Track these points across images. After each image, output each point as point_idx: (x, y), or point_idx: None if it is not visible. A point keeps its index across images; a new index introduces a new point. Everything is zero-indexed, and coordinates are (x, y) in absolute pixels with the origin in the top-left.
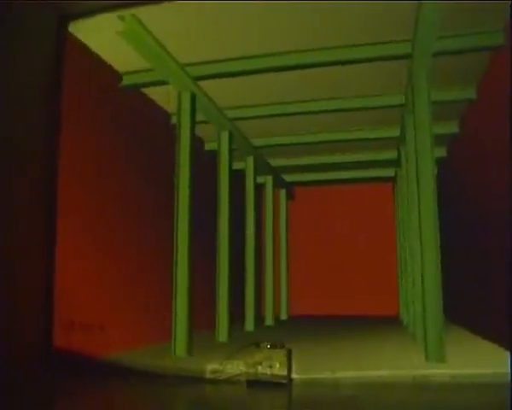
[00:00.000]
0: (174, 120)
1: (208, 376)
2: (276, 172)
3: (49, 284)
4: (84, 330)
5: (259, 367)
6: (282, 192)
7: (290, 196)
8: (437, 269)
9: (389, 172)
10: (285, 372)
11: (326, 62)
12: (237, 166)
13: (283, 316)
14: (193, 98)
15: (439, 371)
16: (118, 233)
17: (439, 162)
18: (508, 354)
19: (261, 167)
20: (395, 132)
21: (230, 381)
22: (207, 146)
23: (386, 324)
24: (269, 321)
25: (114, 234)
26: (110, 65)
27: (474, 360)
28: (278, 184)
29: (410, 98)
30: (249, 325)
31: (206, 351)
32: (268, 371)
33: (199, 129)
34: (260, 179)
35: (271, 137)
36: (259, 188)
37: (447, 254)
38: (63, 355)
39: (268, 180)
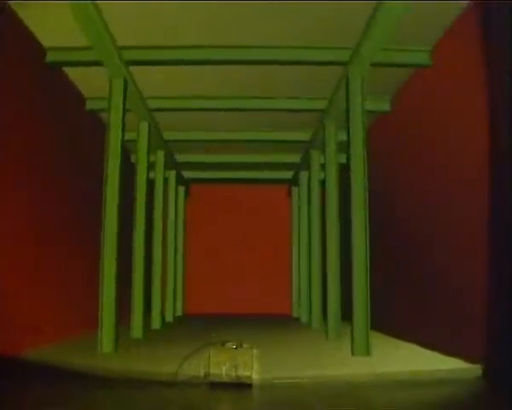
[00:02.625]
0: (89, 104)
1: (167, 378)
2: (179, 168)
3: None
4: None
5: (224, 368)
6: (181, 189)
7: (188, 194)
8: (365, 265)
9: (286, 175)
10: (250, 373)
11: (258, 61)
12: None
13: (178, 313)
14: (125, 84)
15: (402, 371)
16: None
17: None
18: (433, 353)
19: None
20: (304, 136)
21: (191, 383)
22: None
23: (284, 322)
24: (155, 324)
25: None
26: (35, 37)
27: (409, 359)
28: (178, 180)
29: (338, 105)
30: (137, 330)
31: (129, 348)
32: (233, 373)
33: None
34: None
35: (181, 132)
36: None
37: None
38: None
39: (171, 176)
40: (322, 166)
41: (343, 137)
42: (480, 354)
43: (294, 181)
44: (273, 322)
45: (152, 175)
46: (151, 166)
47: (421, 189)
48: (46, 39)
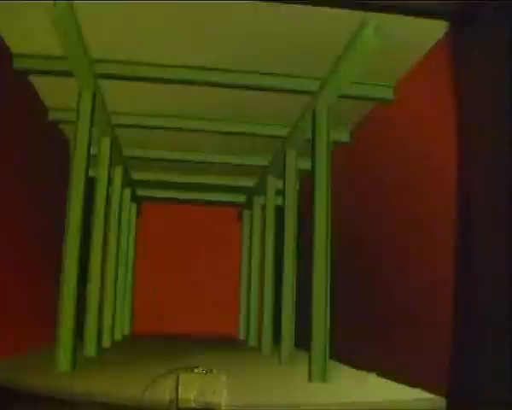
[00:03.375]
0: (52, 115)
1: (132, 403)
2: (133, 186)
3: None
4: None
5: (192, 394)
6: (133, 207)
7: (139, 212)
8: (325, 288)
9: (238, 198)
10: (220, 400)
11: (226, 84)
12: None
13: (125, 332)
14: (94, 97)
15: (374, 401)
16: None
17: None
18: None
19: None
20: (261, 161)
21: (156, 408)
22: None
23: (232, 344)
24: (105, 343)
25: None
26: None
27: (375, 388)
28: (132, 197)
29: (301, 134)
30: (91, 348)
31: (86, 367)
32: (202, 399)
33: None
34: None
35: (138, 149)
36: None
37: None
38: None
39: (126, 193)
40: (277, 192)
41: (301, 165)
42: (443, 384)
43: (246, 205)
44: (221, 344)
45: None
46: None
47: (376, 217)
48: (15, 45)
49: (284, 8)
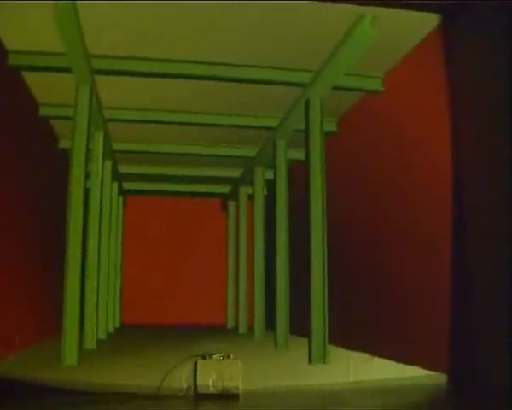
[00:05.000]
0: (43, 111)
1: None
2: (121, 180)
3: None
4: None
5: (211, 380)
6: (120, 200)
7: (125, 205)
8: (323, 271)
9: (223, 189)
10: (237, 384)
11: (219, 77)
12: None
13: (116, 325)
14: (91, 92)
15: (374, 379)
16: None
17: None
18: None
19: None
20: (247, 152)
21: (176, 396)
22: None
23: (223, 332)
24: (101, 335)
25: None
26: None
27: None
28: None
29: (290, 125)
30: (90, 341)
31: (90, 360)
32: (220, 384)
33: (58, 125)
34: None
35: (126, 143)
36: None
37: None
38: None
39: (114, 187)
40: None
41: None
42: (444, 361)
43: (231, 195)
44: (212, 332)
45: None
46: None
47: (368, 204)
48: (9, 42)
49: (280, 2)
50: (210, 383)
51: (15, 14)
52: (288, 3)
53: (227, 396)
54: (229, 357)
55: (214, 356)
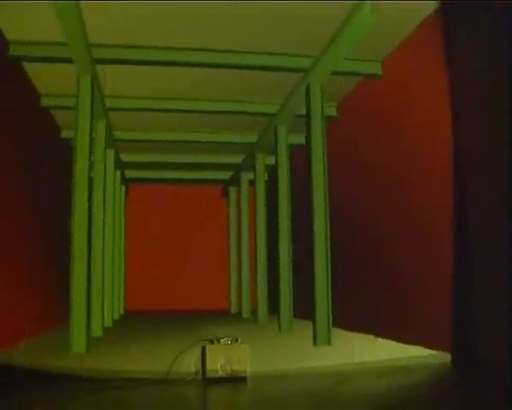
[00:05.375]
0: (45, 101)
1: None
2: (123, 168)
3: None
4: None
5: (219, 364)
6: (122, 189)
7: (127, 193)
8: (326, 253)
9: (223, 175)
10: (245, 367)
11: (218, 64)
12: None
13: (121, 312)
14: (92, 82)
15: (379, 359)
16: None
17: None
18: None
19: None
20: (248, 138)
21: (185, 380)
22: (64, 134)
23: (227, 317)
24: (107, 322)
25: None
26: None
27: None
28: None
29: (291, 110)
30: (97, 329)
31: (97, 347)
32: (228, 368)
33: (59, 115)
34: None
35: (128, 132)
36: None
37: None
38: None
39: (116, 176)
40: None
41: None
42: (447, 341)
43: (232, 181)
44: (216, 317)
45: None
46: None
47: (366, 189)
48: (10, 32)
49: None
50: (219, 367)
51: (16, 5)
52: None
53: (235, 380)
54: (237, 341)
55: (222, 340)
